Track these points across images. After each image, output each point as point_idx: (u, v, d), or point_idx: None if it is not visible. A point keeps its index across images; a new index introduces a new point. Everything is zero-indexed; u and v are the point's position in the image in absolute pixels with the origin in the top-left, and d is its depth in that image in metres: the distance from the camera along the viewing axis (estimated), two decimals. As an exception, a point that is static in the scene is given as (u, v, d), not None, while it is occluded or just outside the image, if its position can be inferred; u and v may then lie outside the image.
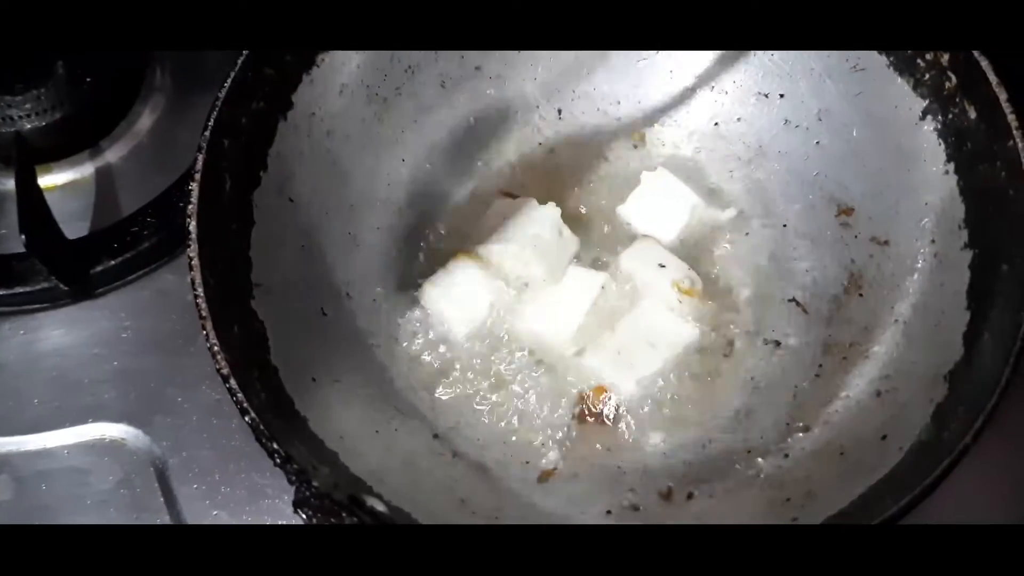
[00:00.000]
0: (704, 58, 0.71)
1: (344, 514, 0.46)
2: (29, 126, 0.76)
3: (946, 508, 0.57)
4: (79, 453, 0.66)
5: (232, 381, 0.49)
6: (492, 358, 0.64)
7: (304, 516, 0.46)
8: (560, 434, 0.61)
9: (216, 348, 0.50)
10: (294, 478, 0.47)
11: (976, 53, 0.57)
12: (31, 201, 0.70)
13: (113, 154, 0.80)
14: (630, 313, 0.64)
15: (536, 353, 0.64)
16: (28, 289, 0.70)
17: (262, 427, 0.48)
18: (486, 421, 0.62)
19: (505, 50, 0.70)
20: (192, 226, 0.54)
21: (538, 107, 0.73)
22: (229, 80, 0.58)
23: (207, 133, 0.56)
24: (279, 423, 0.51)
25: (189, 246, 0.53)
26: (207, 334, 0.51)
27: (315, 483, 0.47)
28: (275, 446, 0.48)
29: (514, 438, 0.62)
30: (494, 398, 0.63)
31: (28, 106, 0.76)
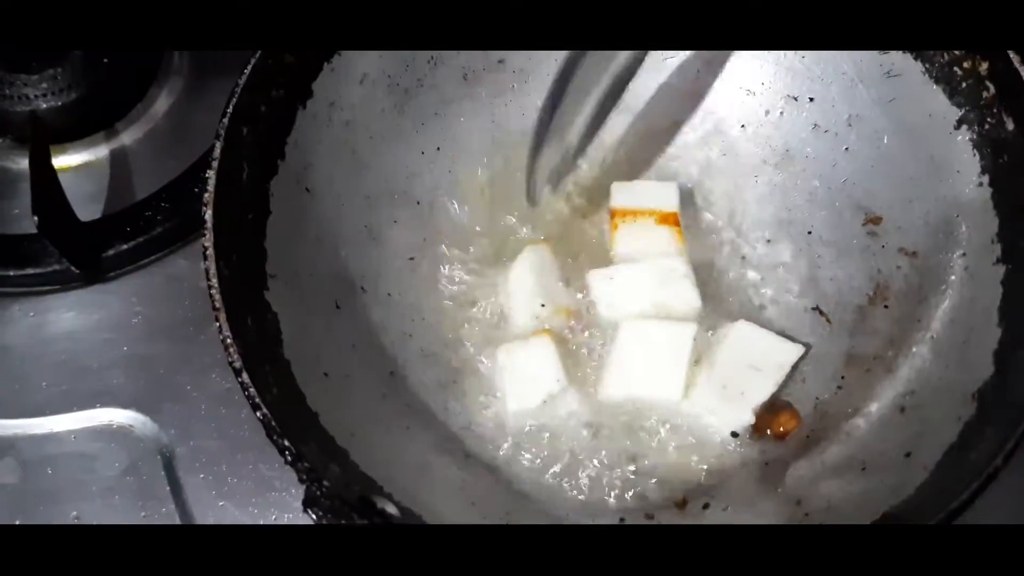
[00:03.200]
0: (733, 58, 0.69)
1: (354, 515, 0.45)
2: (45, 106, 0.76)
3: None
4: (86, 438, 0.66)
5: (244, 375, 0.49)
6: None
7: (314, 516, 0.45)
8: (575, 439, 0.60)
9: (229, 340, 0.49)
10: (304, 477, 0.46)
11: (1017, 62, 0.55)
12: (45, 182, 0.69)
13: (129, 136, 0.79)
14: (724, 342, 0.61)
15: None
16: (39, 271, 0.70)
17: (274, 423, 0.47)
18: (497, 423, 0.61)
19: (522, 50, 0.69)
20: (208, 215, 0.53)
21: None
22: (249, 67, 0.57)
23: (225, 120, 0.55)
24: (291, 419, 0.50)
25: (204, 235, 0.52)
26: (220, 326, 0.50)
27: (326, 482, 0.46)
28: (286, 443, 0.47)
29: (528, 442, 0.60)
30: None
31: (44, 85, 0.76)
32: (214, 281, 0.51)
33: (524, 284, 0.64)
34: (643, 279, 0.64)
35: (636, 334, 0.62)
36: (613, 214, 0.67)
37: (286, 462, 0.47)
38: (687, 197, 0.69)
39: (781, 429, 0.59)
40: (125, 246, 0.71)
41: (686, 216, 0.67)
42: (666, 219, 0.65)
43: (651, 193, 0.67)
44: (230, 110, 0.56)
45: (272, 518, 0.63)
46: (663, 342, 0.61)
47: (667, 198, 0.66)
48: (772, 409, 0.60)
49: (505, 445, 0.60)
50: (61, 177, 0.71)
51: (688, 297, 0.63)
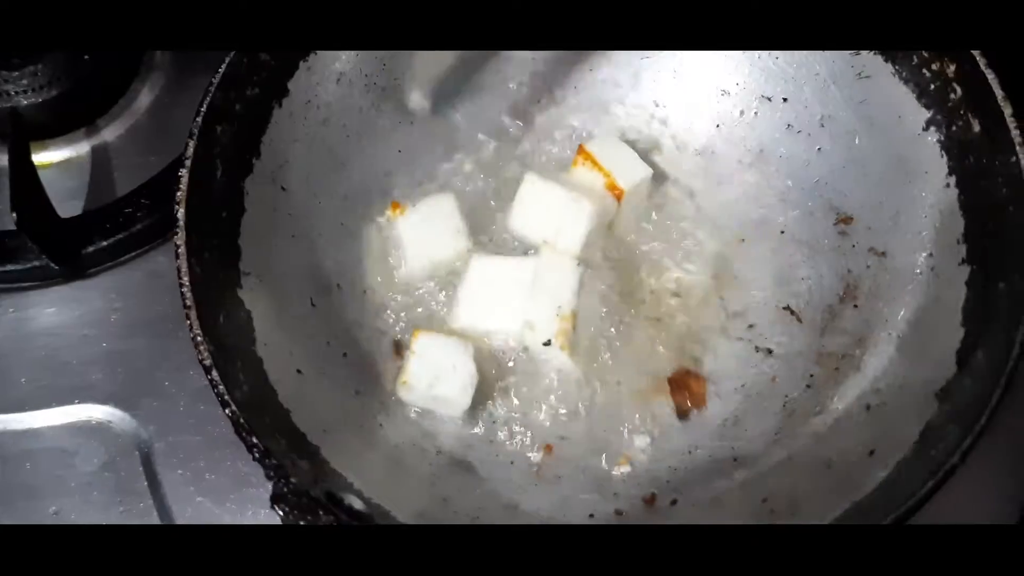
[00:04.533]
0: (708, 58, 0.70)
1: (321, 512, 0.46)
2: (25, 102, 0.76)
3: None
4: (65, 434, 0.66)
5: (214, 372, 0.49)
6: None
7: (281, 512, 0.46)
8: (544, 435, 0.61)
9: (199, 338, 0.50)
10: (272, 473, 0.47)
11: (983, 64, 0.56)
12: (24, 178, 0.69)
13: (110, 133, 0.80)
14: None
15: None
16: (19, 267, 0.70)
17: (242, 420, 0.48)
18: (471, 421, 0.61)
19: (503, 50, 0.69)
20: (180, 213, 0.53)
21: (539, 102, 0.72)
22: (224, 65, 0.58)
23: (199, 119, 0.56)
24: (261, 416, 0.51)
25: (176, 234, 0.53)
26: (190, 323, 0.50)
27: (293, 479, 0.47)
28: (254, 440, 0.47)
29: (500, 437, 0.61)
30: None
31: (24, 81, 0.76)
32: (185, 279, 0.51)
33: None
34: (552, 203, 0.65)
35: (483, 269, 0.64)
36: (580, 150, 0.67)
37: (254, 459, 0.47)
38: (661, 194, 0.69)
39: (695, 392, 0.61)
40: (105, 243, 0.71)
41: (661, 213, 0.68)
42: (613, 188, 0.66)
43: (623, 162, 0.67)
44: (204, 109, 0.56)
45: (249, 514, 0.63)
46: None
47: (630, 175, 0.66)
48: (679, 382, 0.62)
49: (477, 439, 0.60)
50: (42, 174, 0.72)
51: (575, 235, 0.64)
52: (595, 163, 0.66)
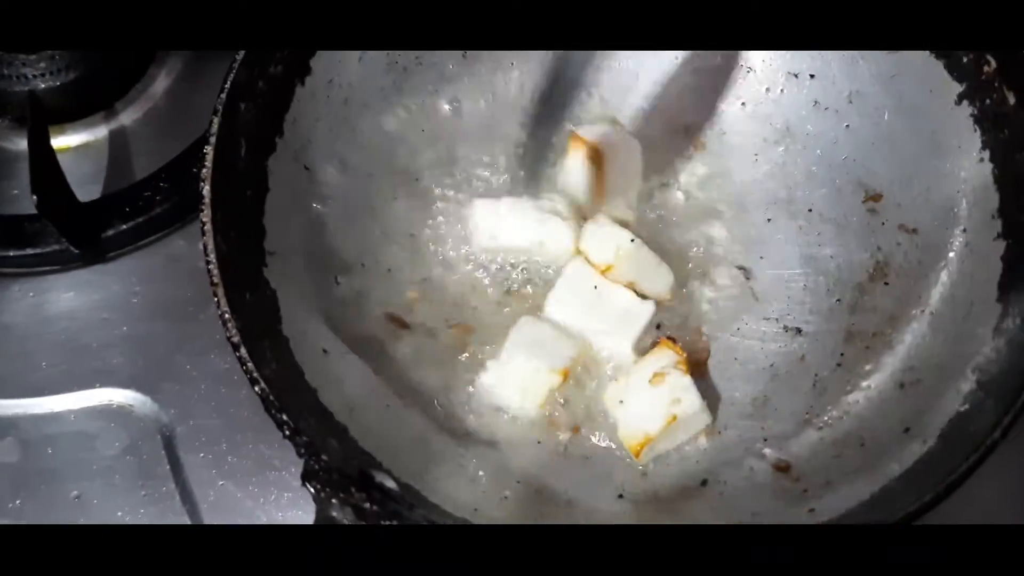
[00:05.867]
0: (733, 35, 0.69)
1: (353, 489, 0.45)
2: (43, 86, 0.76)
3: (965, 507, 0.55)
4: (86, 418, 0.66)
5: (242, 349, 0.49)
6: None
7: (313, 490, 0.45)
8: (573, 414, 0.60)
9: (227, 315, 0.49)
10: (303, 451, 0.46)
11: (1018, 36, 0.55)
12: (43, 162, 0.69)
13: (128, 117, 0.79)
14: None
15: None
16: (38, 251, 0.70)
17: (272, 398, 0.47)
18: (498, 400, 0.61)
19: (512, 49, 0.68)
20: (206, 191, 0.53)
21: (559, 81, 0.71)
22: (246, 42, 0.57)
23: (223, 96, 0.55)
24: (289, 394, 0.50)
25: (202, 211, 0.52)
26: (218, 301, 0.50)
27: (324, 456, 0.46)
28: (284, 418, 0.47)
29: (527, 417, 0.60)
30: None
31: (43, 65, 0.76)
32: (212, 256, 0.51)
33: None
34: (526, 214, 0.64)
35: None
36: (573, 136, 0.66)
37: (284, 436, 0.47)
38: (687, 172, 0.69)
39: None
40: (124, 226, 0.71)
41: (688, 195, 0.68)
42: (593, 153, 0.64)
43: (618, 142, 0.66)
44: (228, 85, 0.55)
45: (272, 497, 0.63)
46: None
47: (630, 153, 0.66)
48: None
49: (504, 421, 0.60)
50: (60, 158, 0.71)
51: (564, 240, 0.63)
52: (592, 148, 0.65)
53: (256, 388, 0.48)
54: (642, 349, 0.61)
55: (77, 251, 0.70)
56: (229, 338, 0.49)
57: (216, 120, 0.54)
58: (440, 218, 0.67)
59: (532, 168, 0.68)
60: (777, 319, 0.63)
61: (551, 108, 0.71)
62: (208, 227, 0.52)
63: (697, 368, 0.62)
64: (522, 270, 0.65)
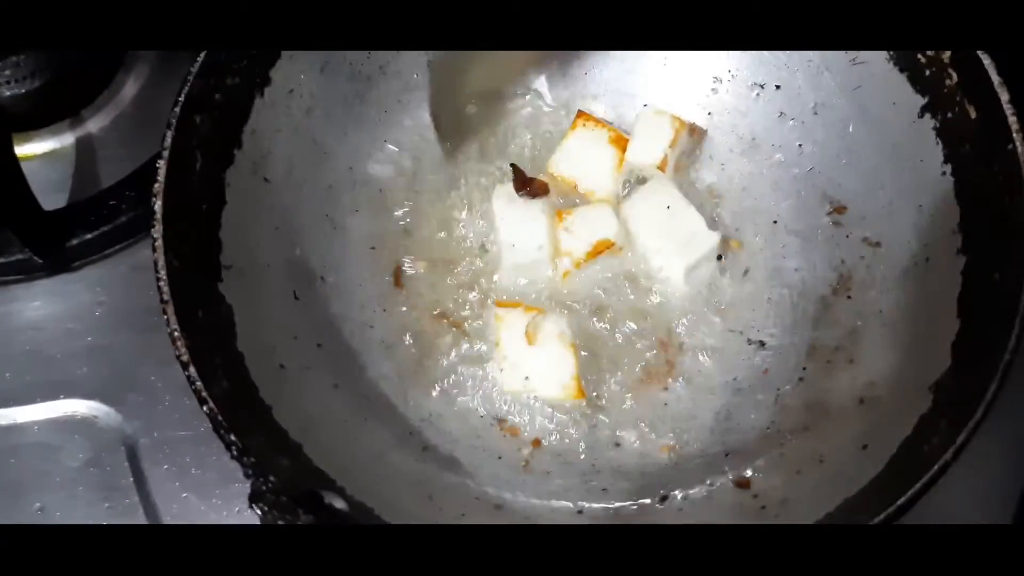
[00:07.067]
0: (700, 45, 0.68)
1: (300, 511, 0.45)
2: (8, 93, 0.75)
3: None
4: (49, 429, 0.66)
5: (191, 368, 0.48)
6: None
7: (260, 512, 0.45)
8: (535, 429, 0.60)
9: (176, 333, 0.49)
10: (250, 472, 0.46)
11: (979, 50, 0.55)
12: (6, 170, 0.68)
13: (94, 124, 0.78)
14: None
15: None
16: (2, 261, 0.69)
17: (219, 417, 0.47)
18: (459, 414, 0.61)
19: (500, 50, 0.67)
20: (158, 206, 0.52)
21: (527, 94, 0.71)
22: (203, 54, 0.56)
23: (177, 109, 0.55)
24: (241, 412, 0.50)
25: (154, 227, 0.52)
26: (167, 319, 0.49)
27: (272, 477, 0.46)
28: (232, 438, 0.47)
29: (489, 432, 0.60)
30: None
31: (7, 72, 0.75)
32: (162, 273, 0.50)
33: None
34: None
35: None
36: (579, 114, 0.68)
37: (232, 456, 0.47)
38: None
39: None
40: (89, 235, 0.70)
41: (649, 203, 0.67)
42: (618, 140, 0.68)
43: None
44: (182, 98, 0.55)
45: (236, 510, 0.63)
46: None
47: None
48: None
49: (463, 435, 0.60)
50: (26, 165, 0.71)
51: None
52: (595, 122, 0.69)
53: (204, 408, 0.47)
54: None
55: (41, 261, 0.69)
56: (178, 356, 0.48)
57: (169, 134, 0.54)
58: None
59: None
60: (741, 331, 0.63)
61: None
62: (159, 243, 0.51)
63: (659, 381, 0.61)
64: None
